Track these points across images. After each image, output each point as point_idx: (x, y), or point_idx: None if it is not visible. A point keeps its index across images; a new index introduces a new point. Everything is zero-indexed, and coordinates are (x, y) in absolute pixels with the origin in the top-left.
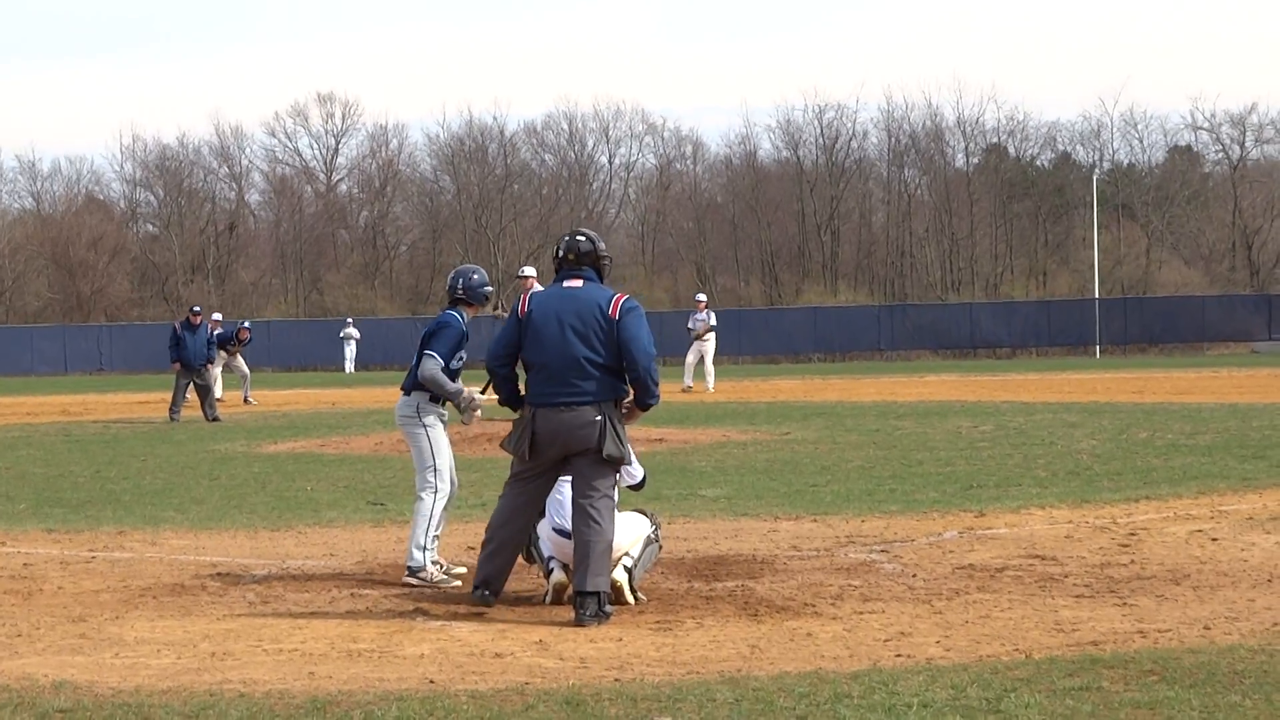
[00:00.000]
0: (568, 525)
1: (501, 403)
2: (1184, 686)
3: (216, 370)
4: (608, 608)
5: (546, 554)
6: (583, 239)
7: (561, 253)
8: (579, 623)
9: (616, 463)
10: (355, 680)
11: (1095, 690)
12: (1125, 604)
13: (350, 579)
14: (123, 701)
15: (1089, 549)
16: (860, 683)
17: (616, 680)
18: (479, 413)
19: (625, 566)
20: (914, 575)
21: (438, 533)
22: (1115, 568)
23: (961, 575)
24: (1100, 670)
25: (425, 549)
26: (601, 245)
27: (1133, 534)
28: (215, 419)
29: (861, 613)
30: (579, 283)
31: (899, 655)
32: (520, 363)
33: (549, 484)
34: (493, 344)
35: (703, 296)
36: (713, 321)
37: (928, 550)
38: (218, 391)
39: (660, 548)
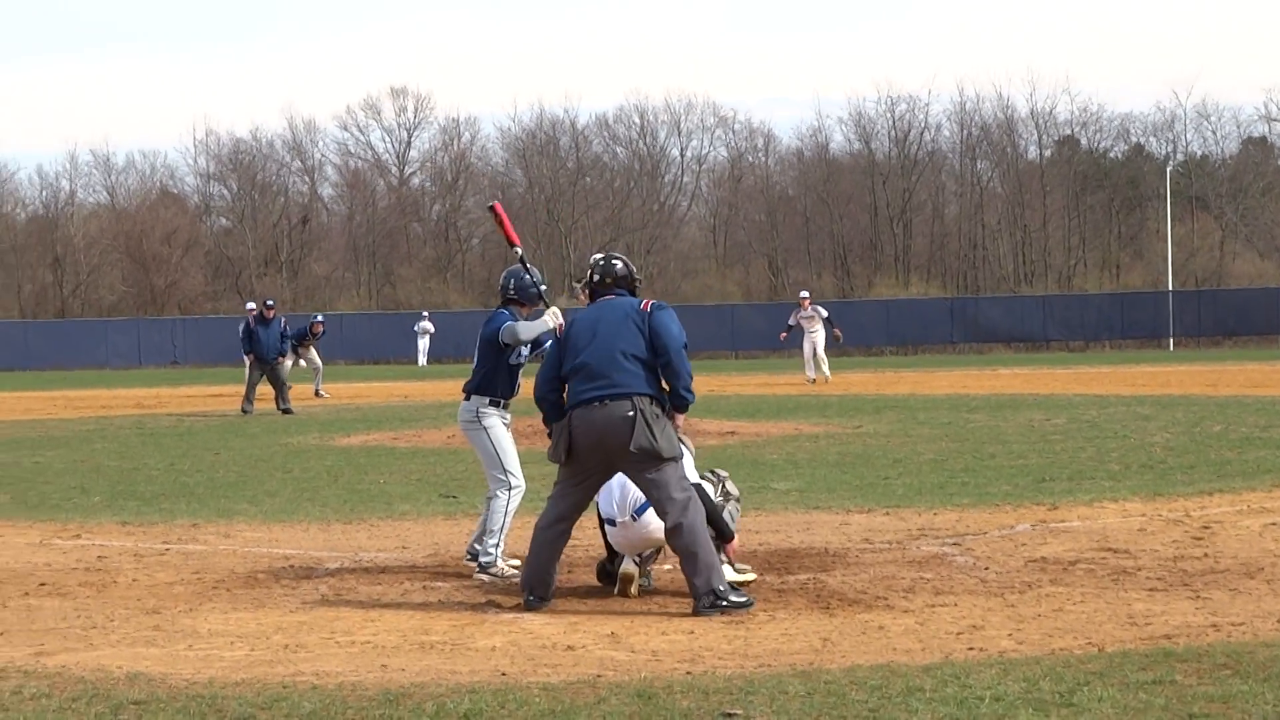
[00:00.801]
0: (615, 514)
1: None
2: (1258, 680)
3: (288, 363)
4: (729, 599)
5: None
6: (617, 263)
7: (597, 277)
8: (696, 613)
9: (651, 456)
10: (427, 672)
11: (1168, 684)
12: (1198, 597)
13: (422, 571)
14: (196, 693)
15: (1162, 542)
16: (932, 676)
17: (688, 673)
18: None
19: (634, 560)
20: (986, 568)
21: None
22: (1188, 561)
23: (1034, 568)
24: (1173, 664)
25: (498, 545)
26: (634, 268)
27: (1206, 527)
28: (288, 411)
29: (934, 606)
30: (612, 296)
31: (971, 648)
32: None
33: (593, 491)
34: (539, 373)
35: (806, 293)
36: (824, 313)
37: (1000, 543)
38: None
39: (732, 499)
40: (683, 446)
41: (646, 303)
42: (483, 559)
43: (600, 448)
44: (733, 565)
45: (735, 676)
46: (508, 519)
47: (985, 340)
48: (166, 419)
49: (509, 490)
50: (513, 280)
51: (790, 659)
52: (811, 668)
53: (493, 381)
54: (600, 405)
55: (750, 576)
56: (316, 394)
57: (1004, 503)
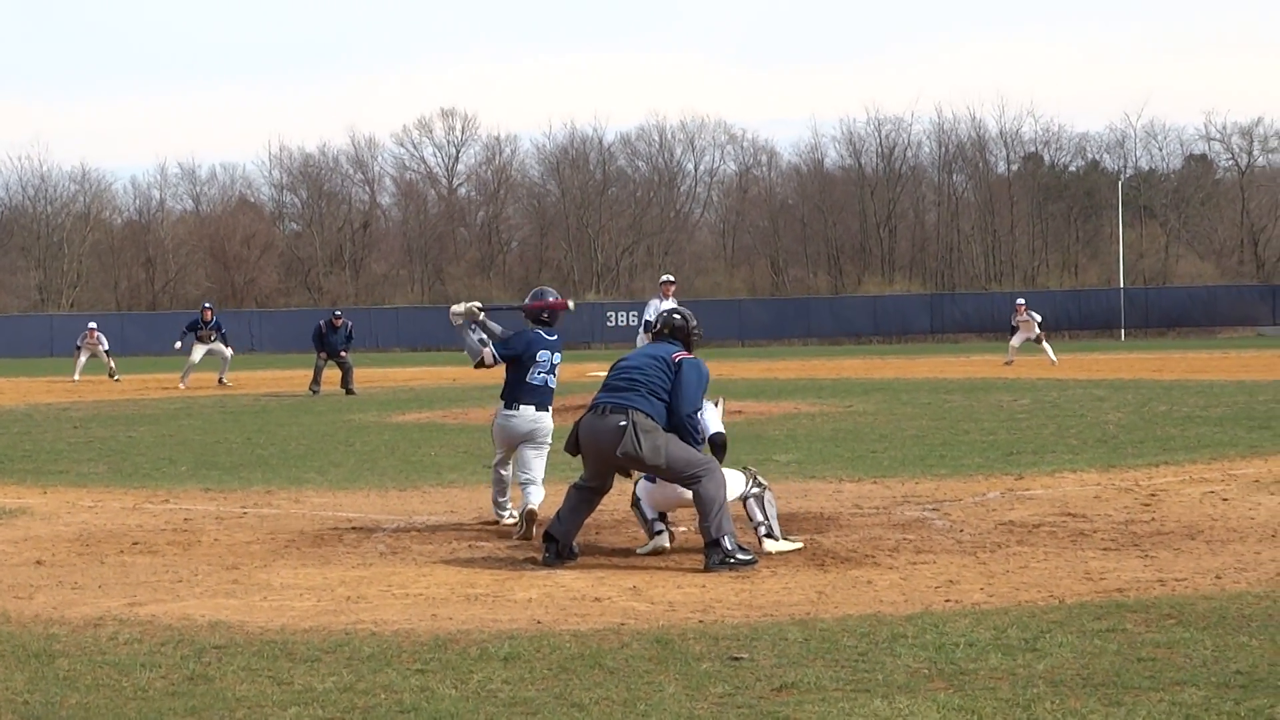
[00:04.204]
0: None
1: None
2: (1198, 629)
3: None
4: (736, 556)
5: (651, 516)
6: (677, 317)
7: (658, 326)
8: (707, 568)
9: (635, 460)
10: (472, 621)
11: (1120, 632)
12: (1147, 556)
13: (468, 532)
14: (270, 639)
15: (1115, 508)
16: (914, 624)
17: (701, 622)
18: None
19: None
20: (961, 531)
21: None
22: (1138, 524)
23: (1003, 531)
24: (1124, 614)
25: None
26: (694, 323)
27: (1153, 495)
28: (351, 392)
29: (915, 563)
30: (664, 344)
31: (948, 600)
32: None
33: (608, 479)
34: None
35: (1022, 300)
36: (1038, 318)
37: (973, 509)
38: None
39: (765, 489)
40: (708, 403)
41: (679, 354)
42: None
43: (595, 448)
44: (785, 537)
45: (742, 625)
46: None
47: (960, 331)
48: (244, 399)
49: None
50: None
51: (790, 609)
52: (808, 617)
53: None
54: (601, 414)
55: (797, 544)
56: (221, 382)
57: (976, 473)
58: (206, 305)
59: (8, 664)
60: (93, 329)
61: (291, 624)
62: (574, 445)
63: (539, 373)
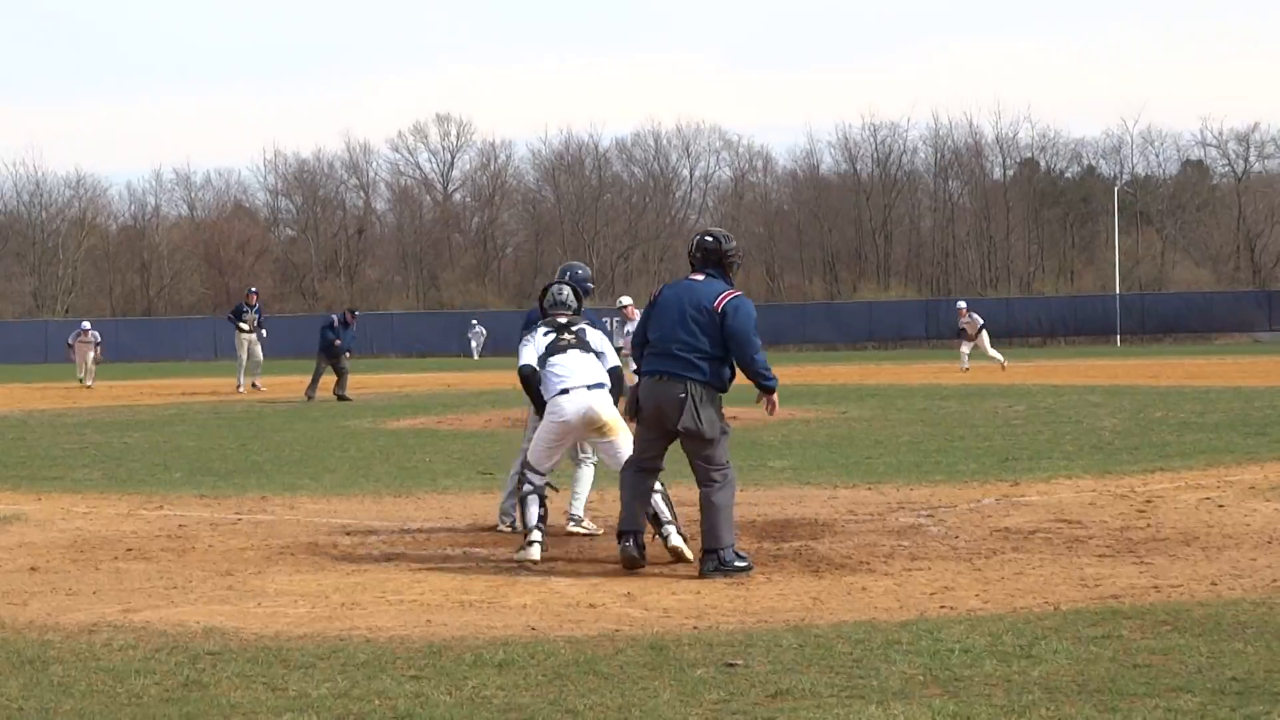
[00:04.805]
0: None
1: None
2: (1194, 635)
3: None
4: (734, 564)
5: (666, 518)
6: (709, 239)
7: (692, 248)
8: (702, 575)
9: (695, 436)
10: (467, 627)
11: (1115, 638)
12: (1142, 562)
13: (463, 539)
14: (264, 645)
15: (1110, 514)
16: (909, 631)
17: (695, 628)
18: None
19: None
20: (956, 537)
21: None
22: (1133, 531)
23: (998, 537)
24: (1120, 621)
25: (582, 503)
26: (730, 244)
27: (1149, 501)
28: (345, 398)
29: (910, 570)
30: (700, 277)
31: (943, 607)
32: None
33: (653, 463)
34: (635, 330)
35: (963, 303)
36: (980, 321)
37: (968, 515)
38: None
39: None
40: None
41: (721, 299)
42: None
43: (657, 415)
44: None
45: (736, 631)
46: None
47: (955, 337)
48: (238, 405)
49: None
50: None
51: (785, 616)
52: (803, 623)
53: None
54: (659, 380)
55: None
56: (254, 386)
57: (972, 479)
58: (252, 290)
59: (2, 670)
60: (86, 329)
61: (286, 630)
62: (634, 408)
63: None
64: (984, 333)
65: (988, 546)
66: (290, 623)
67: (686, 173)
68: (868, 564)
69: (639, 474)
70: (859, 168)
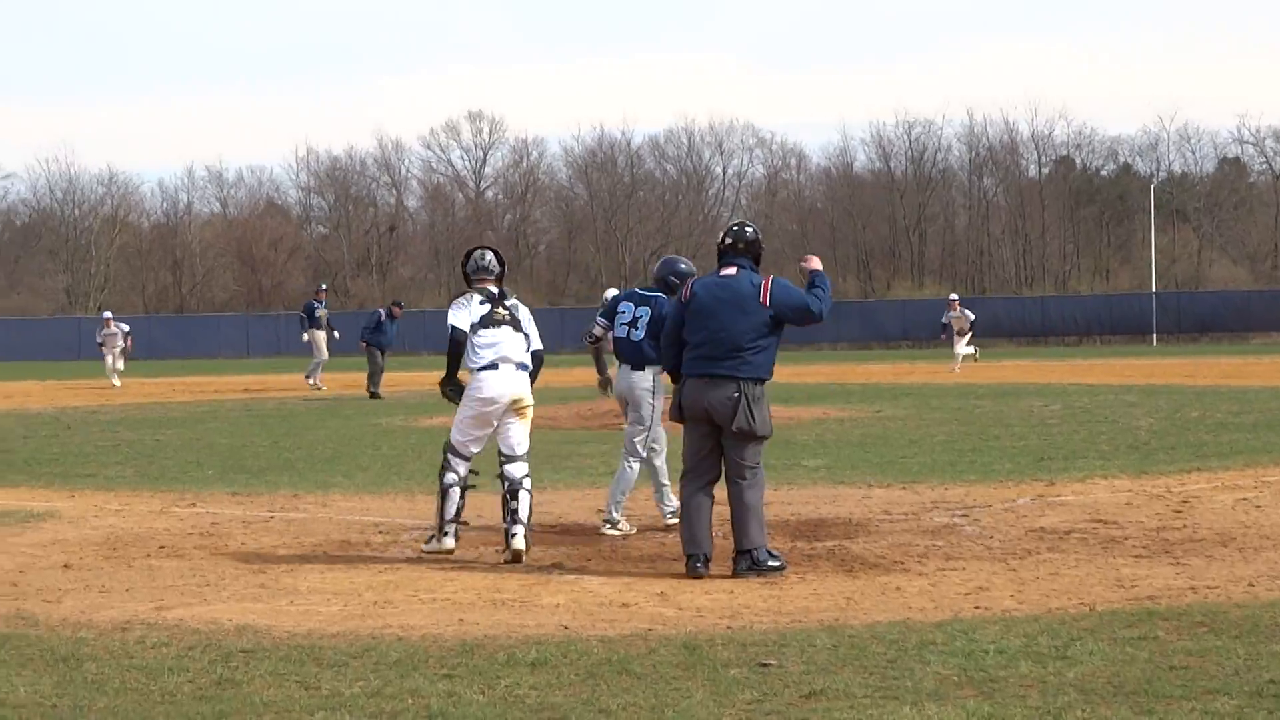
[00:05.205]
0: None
1: (669, 371)
2: (1230, 637)
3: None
4: (768, 563)
5: (451, 512)
6: (750, 230)
7: (729, 240)
8: (735, 574)
9: (747, 435)
10: (499, 626)
11: (1152, 640)
12: (1178, 563)
13: (495, 537)
14: (297, 644)
15: (1146, 514)
16: (943, 631)
17: (729, 628)
18: None
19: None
20: (991, 537)
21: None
22: (1170, 531)
23: (1033, 537)
24: (1156, 622)
25: (619, 504)
26: (760, 236)
27: (1185, 501)
28: (377, 395)
29: (945, 570)
30: (734, 270)
31: (978, 607)
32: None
33: (716, 468)
34: (665, 331)
35: (955, 296)
36: (971, 316)
37: (1003, 515)
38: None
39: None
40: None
41: (766, 287)
42: (609, 516)
43: (704, 418)
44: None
45: (770, 630)
46: (629, 485)
47: (990, 336)
48: (271, 402)
49: (638, 460)
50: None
51: (819, 615)
52: (837, 623)
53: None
54: (709, 381)
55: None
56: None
57: (1007, 479)
58: (323, 287)
59: (36, 667)
60: (108, 319)
61: (318, 628)
62: (678, 412)
63: (620, 324)
64: (970, 330)
65: (1023, 547)
66: (323, 621)
67: (719, 170)
68: (902, 564)
69: (700, 495)
70: (893, 165)
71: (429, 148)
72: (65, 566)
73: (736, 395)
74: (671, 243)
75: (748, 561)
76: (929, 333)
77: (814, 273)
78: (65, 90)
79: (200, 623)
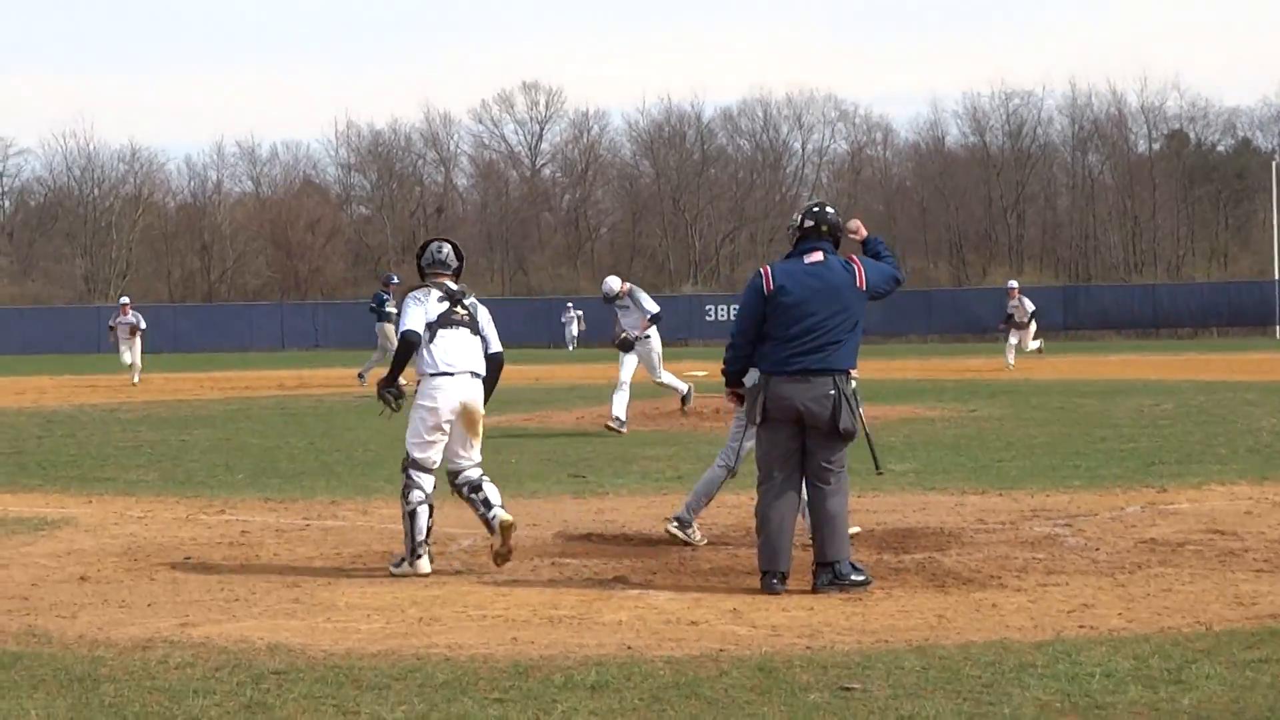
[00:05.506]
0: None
1: (725, 376)
2: None
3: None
4: (851, 577)
5: (422, 534)
6: (831, 211)
7: (811, 223)
8: (815, 589)
9: (849, 437)
10: (556, 645)
11: (1275, 662)
12: None
13: (552, 548)
14: (334, 664)
15: (1269, 524)
16: (1044, 653)
17: (808, 648)
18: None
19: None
20: (1097, 549)
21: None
22: None
23: (1143, 549)
24: (1279, 643)
25: (694, 510)
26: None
27: None
28: None
29: (1045, 585)
30: (820, 256)
31: (1082, 626)
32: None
33: (798, 475)
34: (739, 316)
35: (1014, 283)
36: (1032, 307)
37: (1110, 525)
38: None
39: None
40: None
41: (859, 272)
42: (680, 515)
43: (795, 419)
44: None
45: (853, 651)
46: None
47: (1096, 327)
48: (307, 400)
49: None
50: None
51: (906, 635)
52: (927, 643)
53: None
54: (801, 379)
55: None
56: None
57: (1114, 485)
58: (393, 278)
59: (49, 689)
60: (125, 304)
61: (358, 648)
62: (762, 413)
63: None
64: (1034, 322)
65: (1132, 560)
66: (362, 639)
67: (798, 146)
68: (998, 578)
69: (783, 504)
70: (988, 140)
71: (480, 121)
72: (82, 579)
73: (833, 392)
74: (746, 225)
75: (829, 575)
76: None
77: (870, 239)
78: (83, 58)
79: (228, 641)
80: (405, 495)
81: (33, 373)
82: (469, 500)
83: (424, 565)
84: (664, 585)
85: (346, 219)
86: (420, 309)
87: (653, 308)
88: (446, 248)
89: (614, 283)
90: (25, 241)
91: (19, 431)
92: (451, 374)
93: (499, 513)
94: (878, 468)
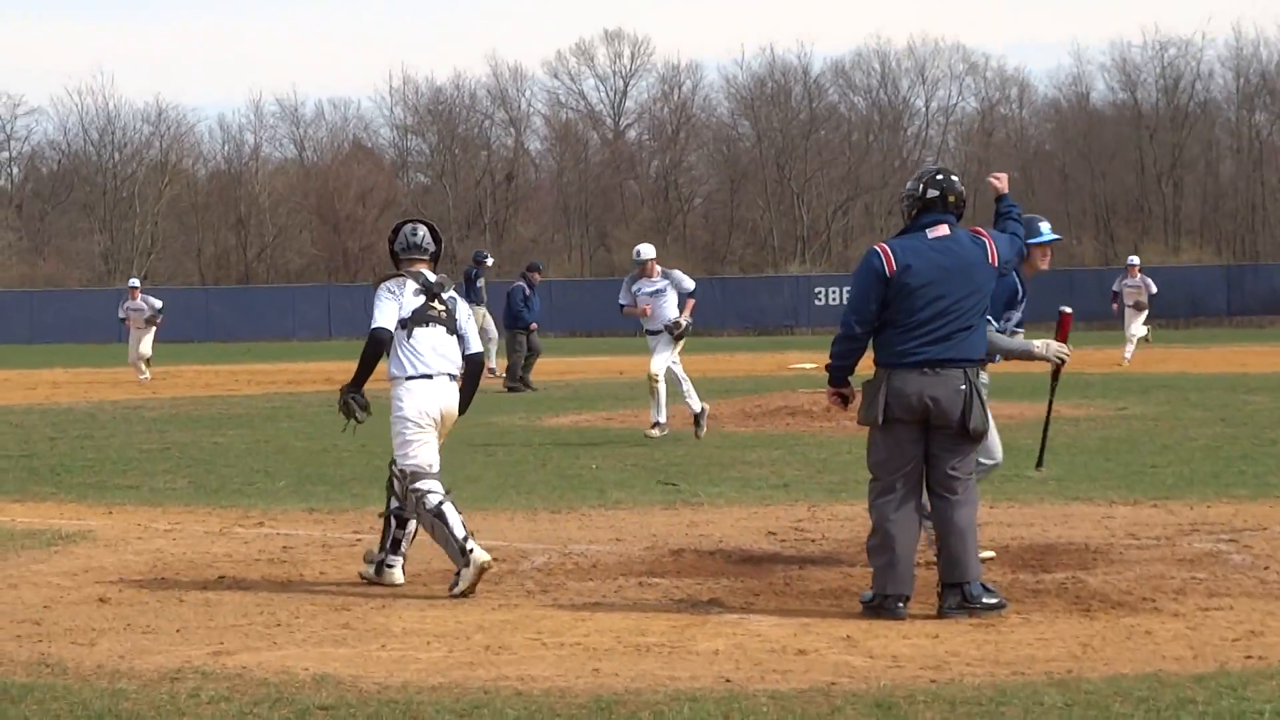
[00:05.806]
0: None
1: (831, 371)
2: None
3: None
4: (983, 600)
5: (395, 542)
6: (957, 179)
7: (935, 192)
8: (941, 614)
9: (980, 437)
10: (643, 678)
11: None
12: None
13: (639, 566)
14: (389, 698)
15: None
16: (1205, 687)
17: (932, 681)
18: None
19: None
20: (1266, 568)
21: None
22: None
23: None
24: None
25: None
26: None
27: None
28: (531, 387)
29: (1207, 609)
30: (945, 230)
31: (1249, 657)
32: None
33: (918, 476)
34: (853, 302)
35: (1135, 259)
36: (1153, 288)
37: None
38: None
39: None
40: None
41: (991, 248)
42: None
43: (925, 413)
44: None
45: (984, 685)
46: None
47: (1266, 313)
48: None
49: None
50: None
51: (1046, 666)
52: (1070, 676)
53: None
54: (930, 372)
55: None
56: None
57: None
58: (484, 255)
59: None
60: (134, 288)
61: (416, 680)
62: (882, 412)
63: None
64: (1148, 307)
65: None
66: (421, 670)
67: (921, 104)
68: (1152, 601)
69: (907, 518)
70: (1140, 97)
71: (556, 76)
72: (101, 601)
73: (964, 386)
74: (860, 195)
75: (957, 597)
76: (1188, 308)
77: (1004, 198)
78: (103, 5)
79: (269, 672)
80: (420, 505)
81: (45, 364)
82: (434, 516)
83: (481, 556)
84: (767, 609)
85: (402, 188)
86: (394, 303)
87: (691, 285)
88: (422, 230)
89: (649, 250)
90: (36, 214)
91: (29, 432)
92: (430, 376)
93: (477, 558)
94: (1040, 463)
